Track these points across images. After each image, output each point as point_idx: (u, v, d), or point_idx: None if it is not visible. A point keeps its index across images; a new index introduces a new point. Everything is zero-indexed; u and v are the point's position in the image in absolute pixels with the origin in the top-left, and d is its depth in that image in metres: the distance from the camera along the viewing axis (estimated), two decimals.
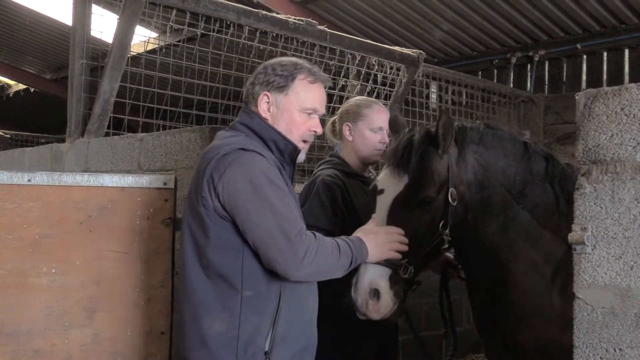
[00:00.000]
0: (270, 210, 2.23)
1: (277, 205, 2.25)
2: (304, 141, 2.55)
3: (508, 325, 2.82)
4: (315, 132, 2.56)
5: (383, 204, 2.74)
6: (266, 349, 2.30)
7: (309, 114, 2.52)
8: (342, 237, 2.48)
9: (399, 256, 2.58)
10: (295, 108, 2.48)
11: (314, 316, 2.54)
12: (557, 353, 2.66)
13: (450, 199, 2.67)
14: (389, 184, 2.74)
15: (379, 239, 2.53)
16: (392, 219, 2.67)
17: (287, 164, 2.50)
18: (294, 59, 2.58)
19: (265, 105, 2.48)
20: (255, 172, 2.27)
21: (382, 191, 2.77)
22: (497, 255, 2.81)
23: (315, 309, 2.55)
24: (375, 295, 2.60)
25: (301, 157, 2.57)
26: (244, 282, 2.30)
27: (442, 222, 2.68)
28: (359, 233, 2.54)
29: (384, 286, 2.59)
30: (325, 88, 2.60)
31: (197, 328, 2.32)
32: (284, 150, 2.47)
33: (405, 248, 2.57)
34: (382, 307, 2.61)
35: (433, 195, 2.67)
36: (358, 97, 3.66)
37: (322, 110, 2.59)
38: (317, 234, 2.34)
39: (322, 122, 2.59)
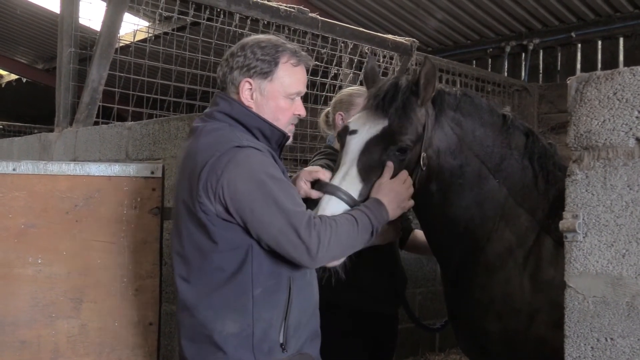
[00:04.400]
0: (276, 208, 2.16)
1: (281, 201, 2.17)
2: (291, 124, 2.49)
3: (476, 312, 2.70)
4: (299, 115, 2.48)
5: (355, 144, 2.53)
6: (281, 341, 2.27)
7: (293, 98, 2.44)
8: (360, 206, 2.36)
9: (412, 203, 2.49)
10: (281, 94, 2.39)
11: (318, 299, 2.49)
12: (523, 345, 2.60)
13: (421, 162, 2.53)
14: (364, 125, 2.55)
15: (400, 195, 2.43)
16: (363, 161, 2.47)
17: (274, 150, 2.42)
18: (273, 38, 2.44)
19: (248, 92, 2.37)
20: (254, 170, 2.19)
21: (355, 132, 2.55)
22: (471, 232, 2.69)
23: (317, 292, 2.50)
24: None
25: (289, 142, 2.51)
26: (254, 280, 2.23)
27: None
28: (377, 192, 2.41)
29: None
30: (307, 68, 2.51)
31: (209, 333, 2.25)
32: (271, 137, 2.39)
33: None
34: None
35: (409, 144, 2.51)
36: (351, 87, 3.61)
37: (304, 90, 2.50)
38: (331, 218, 2.26)
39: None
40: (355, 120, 2.63)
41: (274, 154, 2.37)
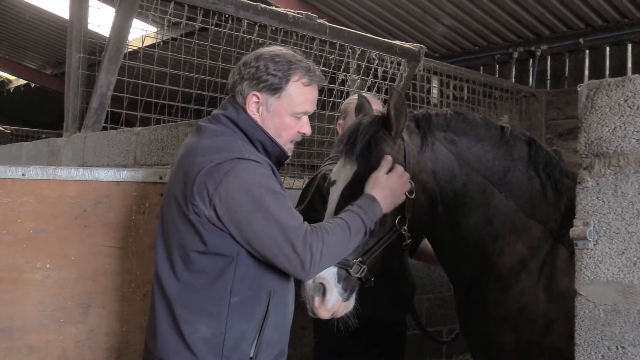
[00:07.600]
0: (273, 221, 2.16)
1: (279, 214, 2.17)
2: (291, 141, 2.47)
3: (490, 326, 2.65)
4: (304, 133, 2.45)
5: (333, 196, 2.53)
6: (251, 355, 2.26)
7: (299, 117, 2.41)
8: (353, 205, 2.34)
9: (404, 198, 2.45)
10: (287, 112, 2.36)
11: (291, 319, 2.47)
12: (538, 356, 2.56)
13: (406, 191, 2.47)
14: (340, 174, 2.55)
15: (395, 191, 2.40)
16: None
17: (274, 164, 2.40)
18: (289, 53, 2.40)
19: (255, 105, 2.35)
20: (254, 183, 2.18)
21: (334, 182, 2.56)
22: (481, 250, 2.64)
23: (293, 312, 2.48)
24: (321, 290, 2.40)
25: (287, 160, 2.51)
26: (233, 288, 2.24)
27: (399, 217, 2.48)
28: (372, 187, 2.40)
29: (329, 280, 2.39)
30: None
31: (180, 333, 2.26)
32: (271, 153, 2.38)
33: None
34: (330, 302, 2.40)
35: None
36: (353, 96, 3.61)
37: (313, 110, 2.47)
38: (322, 226, 2.25)
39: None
40: (335, 170, 2.61)
41: (273, 167, 2.36)
